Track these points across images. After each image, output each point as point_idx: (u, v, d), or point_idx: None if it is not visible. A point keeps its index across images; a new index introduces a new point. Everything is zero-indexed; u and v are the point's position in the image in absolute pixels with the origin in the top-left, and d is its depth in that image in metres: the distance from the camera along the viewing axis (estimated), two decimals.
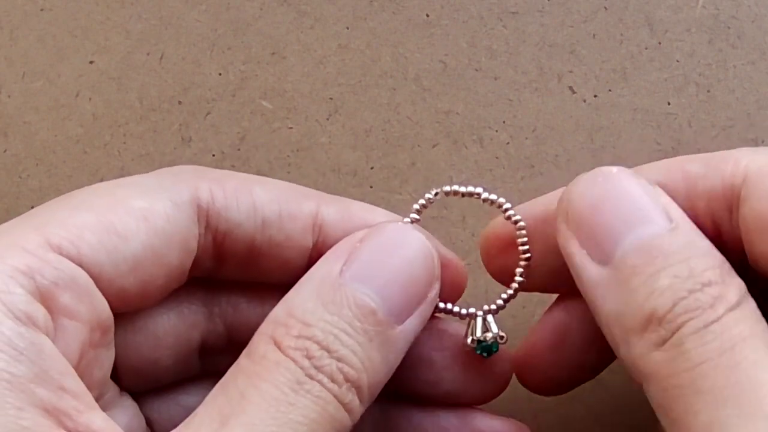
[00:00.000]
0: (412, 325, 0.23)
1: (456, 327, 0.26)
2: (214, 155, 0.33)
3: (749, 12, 0.32)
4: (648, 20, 0.33)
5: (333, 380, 0.22)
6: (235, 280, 0.26)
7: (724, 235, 0.24)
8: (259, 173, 0.33)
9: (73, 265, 0.22)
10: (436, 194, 0.26)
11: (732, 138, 0.32)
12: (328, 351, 0.22)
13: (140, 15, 0.33)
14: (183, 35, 0.33)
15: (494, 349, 0.25)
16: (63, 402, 0.20)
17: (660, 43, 0.33)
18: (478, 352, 0.25)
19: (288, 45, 0.33)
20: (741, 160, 0.23)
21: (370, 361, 0.22)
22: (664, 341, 0.21)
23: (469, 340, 0.25)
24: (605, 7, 0.33)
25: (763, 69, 0.32)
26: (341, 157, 0.33)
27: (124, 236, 0.22)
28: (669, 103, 0.33)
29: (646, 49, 0.33)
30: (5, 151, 0.33)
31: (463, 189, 0.25)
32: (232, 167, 0.33)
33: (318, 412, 0.21)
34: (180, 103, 0.33)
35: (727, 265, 0.22)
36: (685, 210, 0.23)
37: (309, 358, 0.22)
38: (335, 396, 0.22)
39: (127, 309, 0.24)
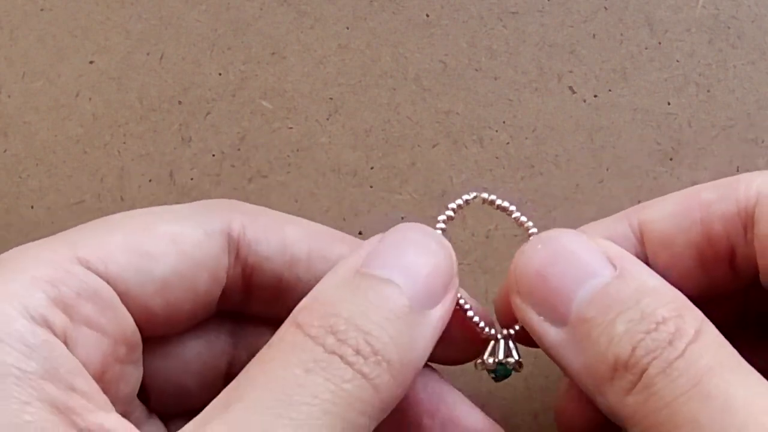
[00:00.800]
0: (438, 314, 0.23)
1: (449, 398, 0.26)
2: (214, 155, 0.33)
3: (749, 12, 0.32)
4: (648, 20, 0.33)
5: (358, 352, 0.21)
6: (262, 315, 0.26)
7: (739, 257, 0.24)
8: (259, 173, 0.33)
9: (98, 278, 0.22)
10: (475, 197, 0.26)
11: (732, 138, 0.32)
12: (355, 325, 0.21)
13: (140, 15, 0.33)
14: (183, 35, 0.33)
15: (508, 374, 0.25)
16: (73, 400, 0.20)
17: (660, 43, 0.33)
18: (494, 375, 0.25)
19: (288, 45, 0.33)
20: (752, 182, 0.24)
21: (399, 338, 0.22)
22: (633, 385, 0.22)
23: (490, 360, 0.25)
24: (605, 7, 0.33)
25: (763, 69, 0.32)
26: (341, 157, 0.33)
27: (154, 257, 0.23)
28: (669, 103, 0.32)
29: (646, 49, 0.33)
30: (5, 151, 0.33)
31: (498, 201, 0.26)
32: (232, 167, 0.33)
33: (332, 391, 0.20)
34: (180, 103, 0.33)
35: (681, 298, 0.23)
36: (702, 235, 0.24)
37: (333, 333, 0.21)
38: (359, 371, 0.21)
39: (154, 331, 0.24)
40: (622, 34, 0.33)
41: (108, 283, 0.22)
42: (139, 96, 0.33)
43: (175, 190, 0.33)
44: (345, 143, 0.33)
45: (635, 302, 0.22)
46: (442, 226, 0.25)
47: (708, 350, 0.21)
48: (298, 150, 0.33)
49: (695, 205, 0.25)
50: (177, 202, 0.33)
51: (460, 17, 0.33)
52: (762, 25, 0.32)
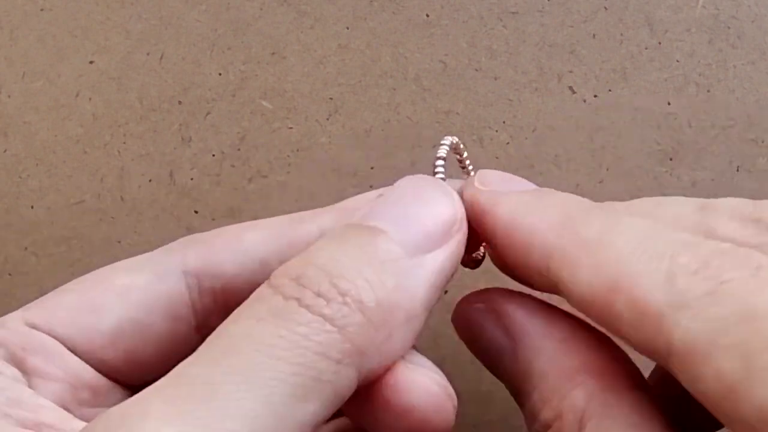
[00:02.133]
0: (437, 258, 0.21)
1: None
2: (214, 155, 0.33)
3: (749, 12, 0.32)
4: (648, 20, 0.33)
5: (319, 294, 0.19)
6: None
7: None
8: (259, 173, 0.33)
9: (43, 334, 0.23)
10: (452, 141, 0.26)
11: (732, 138, 0.32)
12: (325, 271, 0.20)
13: (140, 15, 0.33)
14: (183, 35, 0.33)
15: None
16: (43, 416, 0.21)
17: (660, 43, 0.33)
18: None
19: (288, 45, 0.33)
20: (664, 321, 0.20)
21: (381, 281, 0.20)
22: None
23: None
24: (605, 7, 0.33)
25: (763, 69, 0.32)
26: (341, 157, 0.33)
27: (100, 311, 0.23)
28: (669, 103, 0.32)
29: (646, 49, 0.33)
30: (5, 151, 0.33)
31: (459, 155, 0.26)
32: (232, 167, 0.33)
33: (282, 336, 0.19)
34: (180, 103, 0.33)
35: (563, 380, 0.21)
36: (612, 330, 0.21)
37: (297, 279, 0.20)
38: (318, 312, 0.19)
39: (126, 377, 0.24)
40: (622, 34, 0.33)
41: (55, 338, 0.23)
42: (139, 96, 0.33)
43: (175, 190, 0.33)
44: (345, 143, 0.33)
45: (528, 394, 0.22)
46: (442, 175, 0.25)
47: None
48: (298, 150, 0.33)
49: (606, 309, 0.21)
50: (177, 203, 0.33)
51: (460, 17, 0.33)
52: (762, 25, 0.32)
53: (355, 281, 0.20)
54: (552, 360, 0.21)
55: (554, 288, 0.21)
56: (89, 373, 0.23)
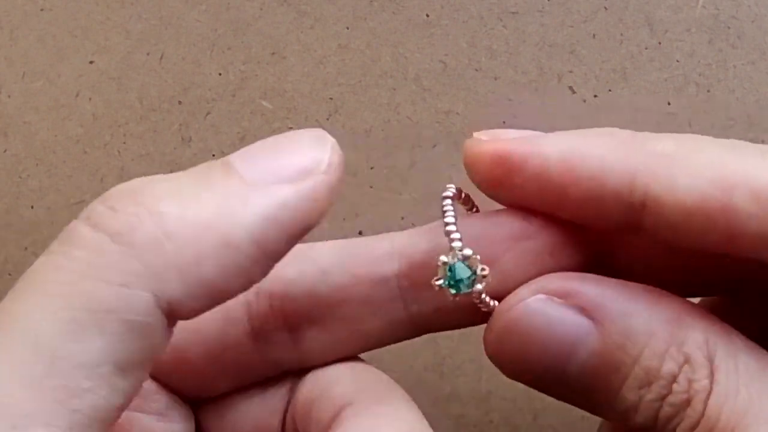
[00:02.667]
0: (278, 193, 0.18)
1: None
2: (214, 155, 0.33)
3: (749, 12, 0.32)
4: (648, 20, 0.33)
5: (111, 208, 0.17)
6: (322, 355, 0.23)
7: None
8: None
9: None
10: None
11: (732, 138, 0.32)
12: (133, 189, 0.18)
13: (140, 15, 0.33)
14: (183, 35, 0.33)
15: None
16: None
17: (660, 43, 0.33)
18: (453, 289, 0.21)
19: (288, 45, 0.33)
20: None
21: (194, 198, 0.18)
22: None
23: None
24: (605, 7, 0.33)
25: (763, 69, 0.32)
26: None
27: None
28: (669, 103, 0.32)
29: (646, 49, 0.33)
30: (5, 151, 0.33)
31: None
32: None
33: (58, 264, 0.17)
34: (180, 103, 0.33)
35: (675, 325, 0.20)
36: (724, 244, 0.19)
37: (102, 200, 0.18)
38: (105, 230, 0.17)
39: (170, 378, 0.22)
40: (622, 34, 0.33)
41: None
42: (139, 96, 0.33)
43: None
44: (345, 143, 0.33)
45: (633, 361, 0.20)
46: (452, 216, 0.22)
47: (729, 392, 0.19)
48: None
49: (721, 210, 0.19)
50: None
51: (460, 17, 0.33)
52: (762, 25, 0.32)
53: (159, 195, 0.18)
54: (652, 318, 0.20)
55: (634, 215, 0.20)
56: None
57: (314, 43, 0.33)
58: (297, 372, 0.23)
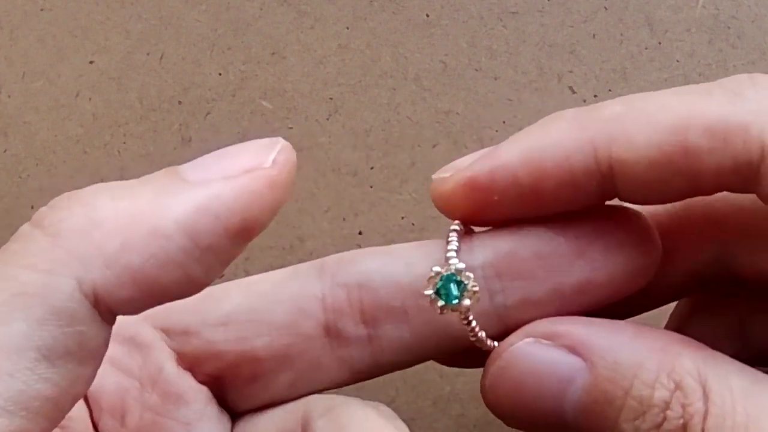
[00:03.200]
0: (211, 185, 0.19)
1: None
2: None
3: (749, 12, 0.32)
4: (648, 20, 0.33)
5: (51, 206, 0.18)
6: (397, 354, 0.23)
7: (730, 218, 0.22)
8: None
9: (149, 329, 0.22)
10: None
11: None
12: (78, 194, 0.18)
13: (140, 15, 0.33)
14: (183, 35, 0.33)
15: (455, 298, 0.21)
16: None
17: (660, 43, 0.33)
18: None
19: (288, 45, 0.33)
20: (752, 128, 0.19)
21: (128, 191, 0.18)
22: None
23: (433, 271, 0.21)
24: (605, 7, 0.33)
25: (763, 69, 0.32)
26: (341, 157, 0.33)
27: (219, 300, 0.22)
28: None
29: (646, 49, 0.33)
30: (5, 151, 0.33)
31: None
32: None
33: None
34: (180, 103, 0.33)
35: (665, 352, 0.20)
36: (689, 186, 0.20)
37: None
38: (39, 225, 0.18)
39: (237, 368, 0.22)
40: (622, 34, 0.33)
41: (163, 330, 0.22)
42: (139, 96, 0.33)
43: None
44: (345, 143, 0.33)
45: (625, 392, 0.20)
46: (455, 244, 0.22)
47: (726, 411, 0.19)
48: (298, 150, 0.33)
49: (680, 152, 0.20)
50: None
51: (460, 17, 0.33)
52: (762, 25, 0.32)
53: (96, 190, 0.18)
54: (639, 349, 0.20)
55: (607, 184, 0.20)
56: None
57: (314, 43, 0.33)
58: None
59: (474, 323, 0.21)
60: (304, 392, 0.22)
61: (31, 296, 0.17)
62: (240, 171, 0.19)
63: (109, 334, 0.18)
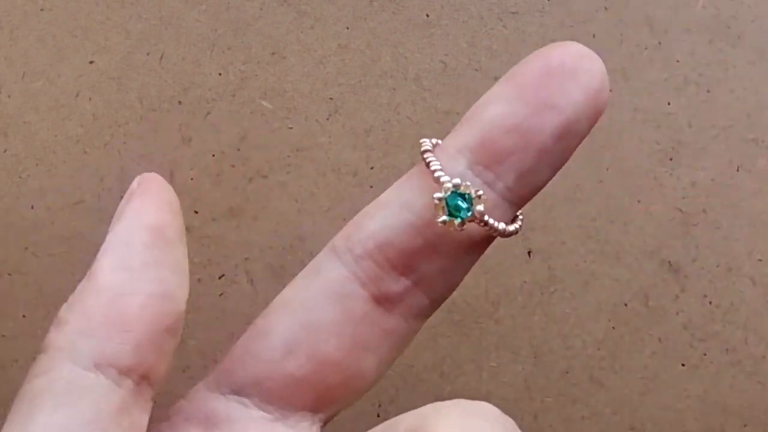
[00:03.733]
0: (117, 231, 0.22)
1: None
2: (214, 155, 0.33)
3: (749, 12, 0.32)
4: (648, 20, 0.33)
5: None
6: (445, 284, 0.23)
7: None
8: (259, 173, 0.33)
9: (224, 399, 0.23)
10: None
11: (732, 138, 0.32)
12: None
13: (140, 15, 0.33)
14: (183, 35, 0.33)
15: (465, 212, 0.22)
16: None
17: (660, 43, 0.33)
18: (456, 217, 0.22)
19: (288, 45, 0.33)
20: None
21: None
22: None
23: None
24: (605, 7, 0.33)
25: (763, 69, 0.32)
26: (341, 157, 0.33)
27: (266, 333, 0.23)
28: (669, 103, 0.32)
29: (646, 49, 0.33)
30: (5, 151, 0.33)
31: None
32: (232, 167, 0.33)
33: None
34: (180, 103, 0.33)
35: None
36: None
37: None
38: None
39: (319, 388, 0.23)
40: (622, 34, 0.33)
41: (239, 393, 0.23)
42: (139, 96, 0.33)
43: (175, 190, 0.33)
44: (345, 143, 0.33)
45: None
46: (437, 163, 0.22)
47: None
48: (298, 150, 0.33)
49: None
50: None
51: (460, 17, 0.33)
52: (762, 25, 0.32)
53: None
54: None
55: None
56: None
57: (314, 43, 0.33)
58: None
59: (491, 221, 0.22)
60: (389, 363, 0.23)
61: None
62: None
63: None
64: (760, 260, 0.32)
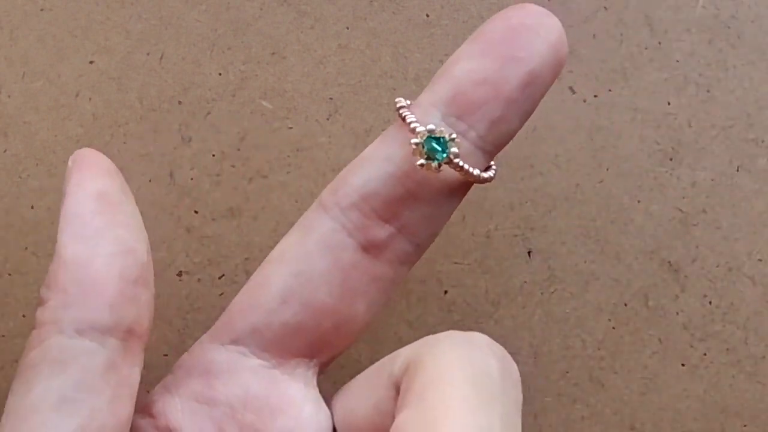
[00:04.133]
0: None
1: None
2: (214, 155, 0.33)
3: (749, 12, 0.32)
4: (648, 20, 0.33)
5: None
6: (429, 228, 0.25)
7: None
8: (259, 173, 0.33)
9: (223, 349, 0.25)
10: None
11: (732, 138, 0.32)
12: None
13: (140, 15, 0.33)
14: (183, 35, 0.33)
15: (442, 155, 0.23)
16: None
17: (660, 43, 0.33)
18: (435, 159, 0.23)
19: (288, 45, 0.33)
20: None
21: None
22: None
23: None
24: (605, 7, 0.33)
25: (763, 69, 0.32)
26: (341, 157, 0.33)
27: (264, 284, 0.25)
28: (669, 103, 0.33)
29: (646, 49, 0.33)
30: (5, 151, 0.33)
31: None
32: (232, 167, 0.33)
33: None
34: (180, 103, 0.33)
35: None
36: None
37: None
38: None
39: (313, 333, 0.24)
40: (622, 34, 0.33)
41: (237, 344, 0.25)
42: (139, 96, 0.33)
43: (175, 190, 0.33)
44: (345, 143, 0.33)
45: None
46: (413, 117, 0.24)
47: None
48: (298, 150, 0.33)
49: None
50: (177, 202, 0.33)
51: (460, 17, 0.33)
52: (762, 25, 0.32)
53: None
54: None
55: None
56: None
57: (314, 43, 0.33)
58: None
59: (466, 166, 0.23)
60: (378, 308, 0.24)
61: None
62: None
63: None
64: (760, 260, 0.32)
